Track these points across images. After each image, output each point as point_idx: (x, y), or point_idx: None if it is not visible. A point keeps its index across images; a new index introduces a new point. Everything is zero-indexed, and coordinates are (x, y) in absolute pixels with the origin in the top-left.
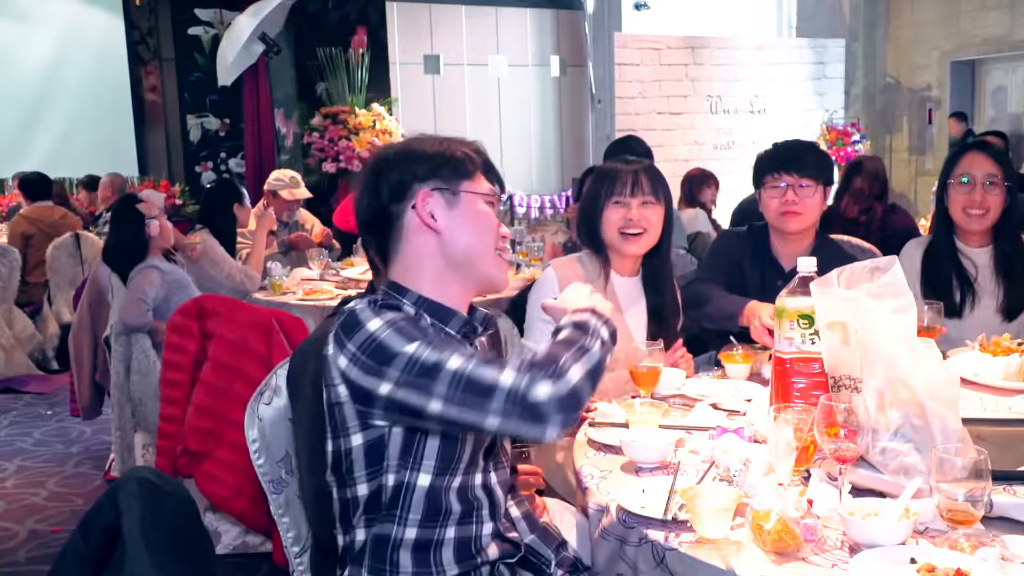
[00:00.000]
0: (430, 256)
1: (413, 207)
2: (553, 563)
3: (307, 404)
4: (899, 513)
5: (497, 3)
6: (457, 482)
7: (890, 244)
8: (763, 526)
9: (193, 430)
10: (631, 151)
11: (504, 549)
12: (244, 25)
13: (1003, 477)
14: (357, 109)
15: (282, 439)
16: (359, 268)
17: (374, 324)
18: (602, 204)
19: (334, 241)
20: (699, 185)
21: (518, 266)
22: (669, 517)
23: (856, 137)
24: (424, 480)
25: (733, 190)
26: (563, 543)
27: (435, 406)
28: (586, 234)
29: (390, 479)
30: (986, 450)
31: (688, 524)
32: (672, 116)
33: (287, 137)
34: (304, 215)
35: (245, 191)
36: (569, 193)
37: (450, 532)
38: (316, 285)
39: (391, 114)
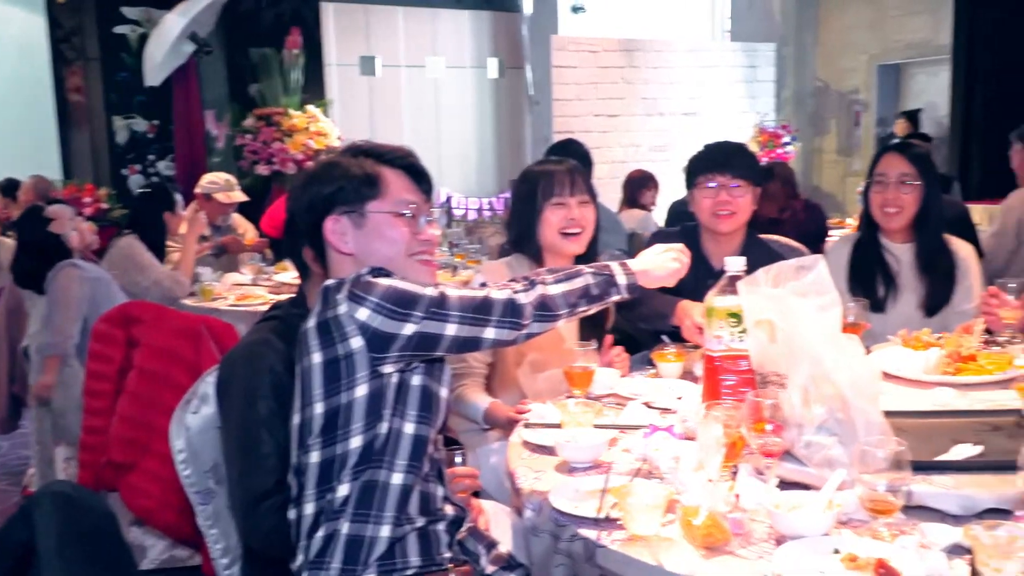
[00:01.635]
0: (353, 271)
1: (325, 232)
2: (484, 558)
3: (237, 410)
4: (823, 505)
5: (434, 4)
6: (431, 435)
7: (809, 238)
8: (692, 521)
9: (118, 441)
10: (569, 154)
11: (456, 511)
12: (173, 24)
13: (922, 467)
14: (291, 111)
15: (210, 448)
16: (293, 272)
17: (388, 280)
18: (540, 205)
19: (267, 250)
20: (640, 187)
21: (455, 268)
22: (602, 516)
23: (787, 139)
24: (409, 428)
25: (670, 191)
26: (494, 543)
27: (451, 330)
28: (519, 237)
29: (384, 427)
30: (906, 441)
31: (620, 522)
32: (609, 118)
33: (219, 139)
34: (238, 220)
35: (180, 197)
36: (508, 195)
37: (419, 484)
38: (248, 290)
39: (327, 116)
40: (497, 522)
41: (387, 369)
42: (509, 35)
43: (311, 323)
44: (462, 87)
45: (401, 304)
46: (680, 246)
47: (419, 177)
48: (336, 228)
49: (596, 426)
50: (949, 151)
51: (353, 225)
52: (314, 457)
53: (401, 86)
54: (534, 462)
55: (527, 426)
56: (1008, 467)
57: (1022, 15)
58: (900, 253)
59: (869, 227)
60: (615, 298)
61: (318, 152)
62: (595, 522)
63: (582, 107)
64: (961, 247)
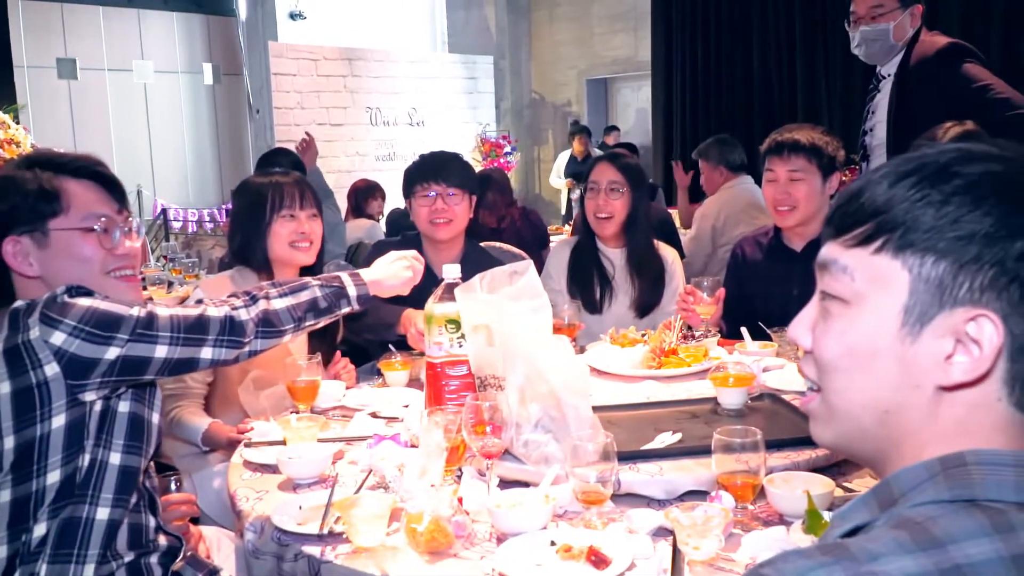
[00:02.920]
0: (44, 293)
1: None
2: None
3: None
4: (540, 500)
5: (138, 5)
6: (142, 465)
7: (529, 243)
8: (416, 528)
9: None
10: (280, 163)
11: (170, 541)
12: None
13: (628, 457)
14: None
15: None
16: None
17: (87, 300)
18: (270, 218)
19: None
20: (366, 196)
21: (170, 284)
22: (325, 531)
23: (508, 149)
24: (115, 459)
25: (397, 201)
26: (215, 570)
27: (161, 352)
28: (244, 251)
29: (86, 459)
30: (615, 433)
31: (345, 535)
32: (333, 127)
33: None
34: None
35: None
36: (229, 206)
37: (127, 517)
38: None
39: (18, 122)
40: (220, 548)
41: (88, 397)
42: (225, 40)
43: None
44: (174, 93)
45: (102, 326)
46: (413, 253)
47: (109, 186)
48: (16, 250)
49: (320, 440)
50: (652, 160)
51: (36, 245)
52: (4, 496)
53: (106, 91)
54: (256, 482)
55: (248, 445)
56: (704, 451)
57: (713, 36)
58: (614, 257)
59: (587, 232)
60: (346, 310)
61: (9, 162)
62: (319, 538)
63: (304, 115)
64: (668, 252)
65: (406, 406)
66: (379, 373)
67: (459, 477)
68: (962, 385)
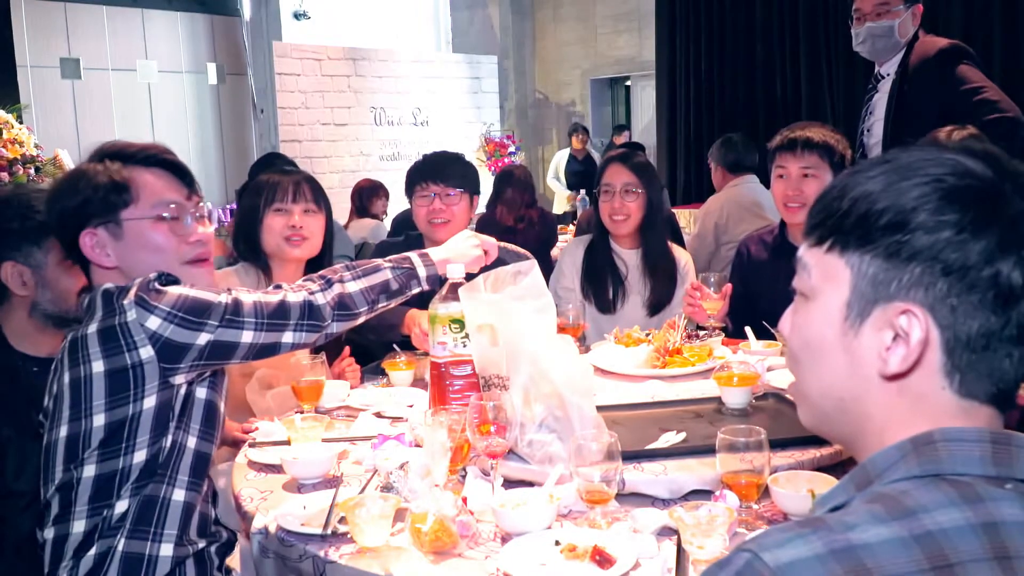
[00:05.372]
0: (123, 282)
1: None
2: None
3: None
4: (544, 500)
5: (142, 5)
6: (212, 452)
7: (545, 246)
8: (421, 528)
9: None
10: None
11: (228, 535)
12: None
13: (632, 456)
14: None
15: None
16: None
17: (178, 288)
18: (263, 213)
19: None
20: (370, 196)
21: None
22: (329, 531)
23: (512, 149)
24: (191, 442)
25: (402, 200)
26: (227, 570)
27: (247, 337)
28: (244, 246)
29: (168, 440)
30: (620, 433)
31: (348, 536)
32: (337, 127)
33: None
34: None
35: None
36: (234, 206)
37: (199, 503)
38: None
39: (21, 122)
40: None
41: (178, 380)
42: (229, 40)
43: (91, 329)
44: (179, 93)
45: (194, 312)
46: (485, 237)
47: (178, 173)
48: (94, 243)
49: (325, 440)
50: (657, 159)
51: (112, 237)
52: (89, 471)
53: (110, 91)
54: (260, 482)
55: (253, 445)
56: (708, 451)
57: (717, 35)
58: (628, 258)
59: (601, 232)
60: (416, 291)
61: (13, 161)
62: (323, 538)
63: (308, 115)
64: (681, 254)
65: (410, 406)
66: (383, 373)
67: (463, 477)
68: (901, 375)
